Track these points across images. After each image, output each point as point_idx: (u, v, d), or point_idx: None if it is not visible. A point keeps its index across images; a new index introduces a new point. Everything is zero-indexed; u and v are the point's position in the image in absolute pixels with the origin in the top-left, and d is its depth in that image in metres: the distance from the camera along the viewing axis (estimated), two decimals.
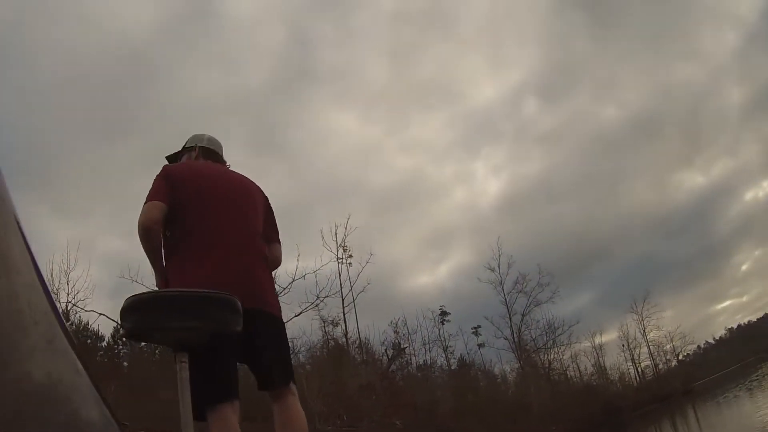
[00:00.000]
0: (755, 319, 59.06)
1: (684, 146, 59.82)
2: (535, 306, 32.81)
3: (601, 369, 39.00)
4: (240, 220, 3.12)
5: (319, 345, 23.58)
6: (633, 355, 41.56)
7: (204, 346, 2.48)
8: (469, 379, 30.76)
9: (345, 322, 24.41)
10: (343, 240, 24.57)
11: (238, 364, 2.91)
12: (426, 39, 54.26)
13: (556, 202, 45.53)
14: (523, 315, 32.82)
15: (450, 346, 30.74)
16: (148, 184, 2.99)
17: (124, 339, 19.59)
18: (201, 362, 2.49)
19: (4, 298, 1.20)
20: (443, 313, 32.60)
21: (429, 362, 29.06)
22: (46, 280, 1.46)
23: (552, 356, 34.28)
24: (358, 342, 25.03)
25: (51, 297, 1.50)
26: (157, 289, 3.06)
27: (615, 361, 40.81)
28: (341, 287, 23.79)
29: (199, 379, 2.42)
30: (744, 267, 60.48)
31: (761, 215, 56.26)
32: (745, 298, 66.17)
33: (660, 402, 34.15)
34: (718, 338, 57.97)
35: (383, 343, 26.17)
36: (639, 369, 41.85)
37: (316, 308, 20.37)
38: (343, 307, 24.11)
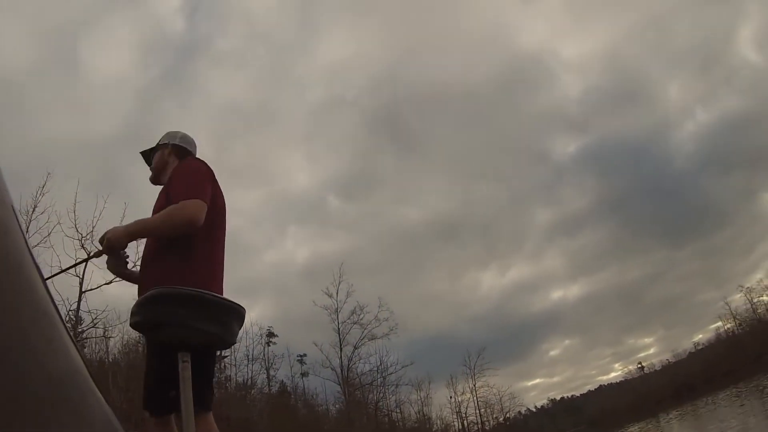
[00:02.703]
0: (578, 395, 64.34)
1: (485, 250, 69.34)
2: (370, 340, 33.23)
3: (424, 417, 40.00)
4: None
5: (136, 340, 22.37)
6: (459, 408, 43.09)
7: (202, 350, 2.69)
8: (289, 405, 30.41)
9: None
10: None
11: None
12: (251, 129, 65.33)
13: (353, 278, 51.15)
14: (355, 347, 33.11)
15: (274, 365, 30.38)
16: None
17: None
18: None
19: (4, 297, 1.25)
20: (270, 335, 32.18)
21: (250, 379, 28.50)
22: (45, 279, 1.55)
23: (380, 395, 34.76)
24: None
25: (51, 296, 1.59)
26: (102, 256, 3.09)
27: (440, 413, 42.04)
28: None
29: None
30: (552, 353, 71.51)
31: (568, 312, 68.75)
32: (555, 378, 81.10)
33: None
34: (540, 407, 61.56)
35: None
36: (464, 423, 43.37)
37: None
38: None
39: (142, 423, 2.90)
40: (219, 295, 2.78)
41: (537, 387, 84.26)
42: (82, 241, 14.74)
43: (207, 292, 2.71)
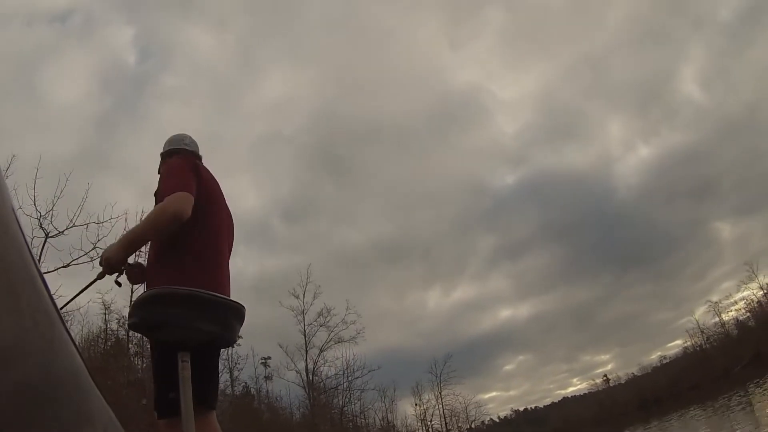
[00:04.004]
0: (542, 406, 65.30)
1: (429, 271, 71.05)
2: (336, 343, 32.97)
3: (389, 424, 39.78)
4: (230, 241, 3.29)
5: (96, 334, 21.70)
6: (425, 416, 42.96)
7: (202, 349, 2.72)
8: (252, 408, 29.90)
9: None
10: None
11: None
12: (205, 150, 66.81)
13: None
14: (321, 350, 32.81)
15: (238, 365, 29.90)
16: None
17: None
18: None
19: (4, 298, 1.24)
20: None
21: None
22: (46, 279, 1.55)
23: (345, 399, 34.46)
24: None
25: (52, 297, 1.59)
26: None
27: (404, 420, 42.02)
28: None
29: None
30: (507, 368, 74.65)
31: (520, 330, 71.51)
32: (512, 392, 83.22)
33: None
34: (503, 417, 61.87)
35: None
36: (429, 430, 43.29)
37: (101, 298, 18.89)
38: (131, 297, 22.58)
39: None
40: (216, 294, 2.76)
41: (494, 400, 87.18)
42: (40, 220, 14.01)
43: (203, 290, 2.72)
